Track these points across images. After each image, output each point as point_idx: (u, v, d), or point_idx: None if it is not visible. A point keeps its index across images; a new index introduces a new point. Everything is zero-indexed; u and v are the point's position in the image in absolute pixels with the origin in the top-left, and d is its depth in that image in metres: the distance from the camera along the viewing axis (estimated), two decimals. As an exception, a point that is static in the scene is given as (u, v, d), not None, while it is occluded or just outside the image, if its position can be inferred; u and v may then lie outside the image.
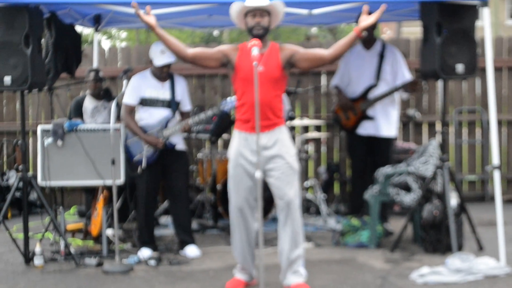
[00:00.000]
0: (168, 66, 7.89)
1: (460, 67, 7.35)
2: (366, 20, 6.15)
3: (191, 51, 6.45)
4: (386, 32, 26.11)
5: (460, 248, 7.54)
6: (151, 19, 6.32)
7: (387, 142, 8.88)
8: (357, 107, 8.86)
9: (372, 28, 8.70)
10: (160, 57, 7.82)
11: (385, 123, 8.78)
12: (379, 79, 8.77)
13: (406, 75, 8.78)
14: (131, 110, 7.95)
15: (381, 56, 8.80)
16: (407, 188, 8.02)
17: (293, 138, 9.75)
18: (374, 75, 8.77)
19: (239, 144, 6.39)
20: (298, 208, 6.36)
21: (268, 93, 6.20)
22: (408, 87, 8.65)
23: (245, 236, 6.49)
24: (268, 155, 6.25)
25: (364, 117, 8.82)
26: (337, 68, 9.25)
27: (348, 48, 6.27)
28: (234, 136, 6.49)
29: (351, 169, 9.31)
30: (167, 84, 7.97)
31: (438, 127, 10.93)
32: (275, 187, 6.34)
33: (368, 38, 8.81)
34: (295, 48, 6.40)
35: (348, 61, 8.98)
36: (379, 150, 8.84)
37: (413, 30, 16.45)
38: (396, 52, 8.93)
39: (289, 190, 6.29)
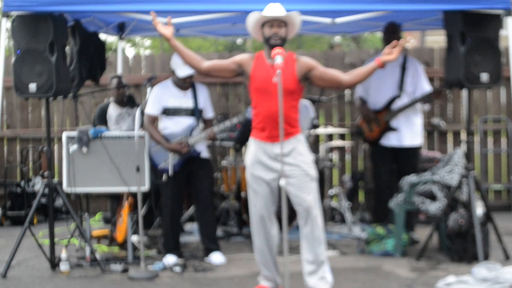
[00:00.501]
0: (190, 76, 7.91)
1: (484, 76, 7.32)
2: (389, 55, 6.17)
3: (206, 64, 6.47)
4: (410, 41, 26.01)
5: (486, 257, 7.49)
6: (167, 31, 6.38)
7: (412, 152, 8.84)
8: (380, 118, 8.83)
9: (398, 39, 8.69)
10: (183, 68, 7.83)
11: (408, 133, 8.75)
12: (401, 90, 8.74)
13: (426, 88, 8.76)
14: (154, 120, 7.97)
15: (403, 68, 8.77)
16: (432, 197, 7.98)
17: (317, 146, 9.77)
18: (397, 86, 8.74)
19: (256, 152, 6.41)
20: (319, 214, 6.35)
21: (286, 104, 6.17)
22: (432, 96, 8.63)
23: (265, 243, 6.49)
24: (286, 163, 6.22)
25: (388, 128, 8.79)
26: None
27: (367, 77, 6.40)
28: (250, 144, 6.50)
29: (375, 179, 9.26)
30: (189, 92, 7.99)
31: (463, 136, 10.88)
32: (293, 194, 6.33)
33: None
34: (314, 64, 6.38)
35: None
36: (405, 160, 8.81)
37: (437, 39, 16.38)
38: (417, 64, 8.91)
39: (307, 196, 6.29)
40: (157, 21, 6.35)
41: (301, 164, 6.32)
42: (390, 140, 8.80)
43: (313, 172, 6.39)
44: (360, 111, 9.16)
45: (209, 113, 8.13)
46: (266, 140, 6.31)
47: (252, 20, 6.34)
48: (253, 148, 6.44)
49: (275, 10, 6.25)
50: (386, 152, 8.88)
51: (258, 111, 6.39)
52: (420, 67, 8.90)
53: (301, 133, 6.50)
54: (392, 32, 8.68)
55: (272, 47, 6.18)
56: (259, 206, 6.41)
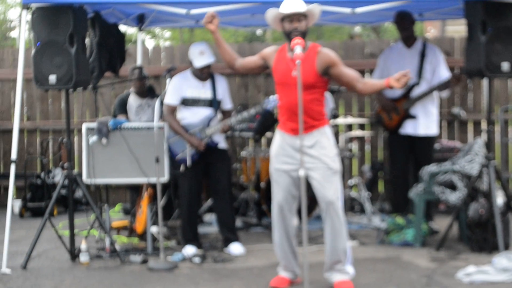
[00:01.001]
0: (208, 66, 7.92)
1: (505, 66, 7.29)
2: (396, 83, 6.11)
3: (239, 62, 6.64)
4: (431, 31, 25.89)
5: (507, 247, 7.45)
6: (212, 25, 6.44)
7: (428, 140, 8.81)
8: (399, 106, 8.79)
9: (411, 24, 8.67)
10: (200, 58, 7.85)
11: (424, 121, 8.71)
12: (420, 78, 8.70)
13: (444, 74, 8.69)
14: (173, 110, 7.99)
15: (422, 55, 8.73)
16: (452, 187, 7.94)
17: (337, 136, 9.75)
18: (416, 74, 8.69)
19: (280, 143, 6.43)
20: (339, 208, 6.32)
21: (306, 97, 6.13)
22: (451, 82, 8.57)
23: (284, 233, 6.49)
24: (306, 156, 6.19)
25: (407, 116, 8.76)
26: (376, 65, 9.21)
27: (376, 92, 6.46)
28: (276, 135, 6.52)
29: (392, 168, 9.22)
30: (208, 83, 8.00)
31: (484, 125, 10.83)
32: (315, 188, 6.33)
33: (409, 36, 8.76)
34: (335, 60, 6.32)
35: (387, 58, 8.94)
36: (420, 149, 8.78)
37: (458, 29, 16.31)
38: (436, 51, 8.86)
39: (328, 191, 6.26)
40: (209, 18, 6.46)
41: (323, 158, 6.29)
42: (406, 129, 8.76)
43: (336, 165, 6.34)
44: (378, 101, 9.13)
45: (227, 104, 8.13)
46: (289, 132, 6.32)
47: (270, 15, 6.34)
48: (278, 139, 6.46)
49: (293, 6, 6.22)
50: (403, 140, 8.85)
51: (281, 103, 6.41)
52: (440, 54, 8.85)
53: (327, 125, 6.46)
54: (400, 20, 8.68)
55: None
56: (279, 197, 6.41)
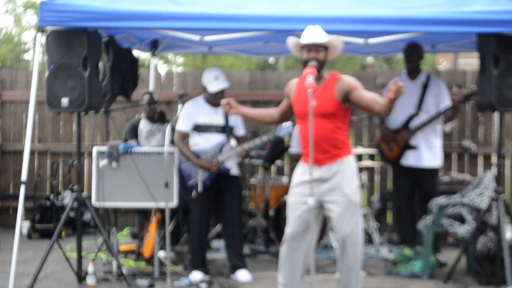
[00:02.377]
0: (222, 92, 7.95)
1: (516, 100, 7.29)
2: (392, 94, 5.99)
3: (277, 115, 6.64)
4: (443, 63, 25.90)
5: (514, 281, 7.43)
6: (233, 111, 6.58)
7: (431, 173, 8.75)
8: (399, 137, 8.75)
9: (419, 58, 8.66)
10: (214, 83, 7.89)
11: (427, 153, 8.65)
12: (420, 109, 8.64)
13: (448, 105, 8.67)
14: (184, 137, 8.03)
15: (425, 87, 8.71)
16: (461, 220, 7.93)
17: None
18: (416, 105, 8.66)
19: (301, 174, 6.34)
20: (356, 243, 6.18)
21: (323, 127, 6.11)
22: (451, 111, 8.54)
23: (290, 266, 6.38)
24: (326, 188, 6.15)
25: (408, 147, 8.72)
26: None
27: (389, 110, 6.08)
28: (298, 166, 6.44)
29: (397, 200, 9.13)
30: (220, 109, 8.00)
31: (494, 159, 10.80)
32: (333, 221, 6.24)
33: (413, 69, 8.75)
34: (354, 85, 6.21)
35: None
36: (424, 181, 8.72)
37: (470, 62, 16.31)
38: (440, 83, 8.83)
39: (346, 226, 6.14)
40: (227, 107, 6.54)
41: (344, 188, 6.17)
42: (409, 160, 8.71)
43: (357, 198, 6.20)
44: (379, 129, 9.12)
45: (240, 130, 8.15)
46: (307, 162, 6.18)
47: (291, 43, 6.32)
48: (299, 171, 6.38)
49: (312, 36, 6.18)
50: (406, 171, 8.80)
51: (301, 135, 6.33)
52: (443, 87, 8.80)
53: (351, 155, 6.34)
54: (410, 51, 8.67)
55: None
56: (292, 227, 6.30)
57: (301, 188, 6.27)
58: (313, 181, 6.03)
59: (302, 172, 6.33)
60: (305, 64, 6.20)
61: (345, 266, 6.25)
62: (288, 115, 6.62)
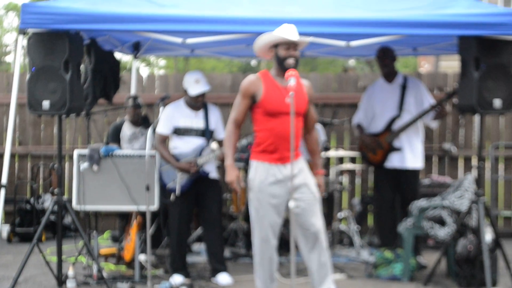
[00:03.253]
0: (202, 95, 7.95)
1: (497, 102, 7.31)
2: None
3: (236, 123, 6.44)
4: (424, 66, 25.99)
5: (494, 283, 7.46)
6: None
7: (413, 174, 8.78)
8: (383, 140, 8.76)
9: (392, 61, 8.68)
10: (195, 86, 7.89)
11: (410, 155, 8.67)
12: (402, 110, 8.67)
13: (432, 102, 8.69)
14: (164, 139, 8.02)
15: (403, 88, 8.73)
16: (441, 222, 7.96)
17: (328, 168, 9.76)
18: (397, 107, 8.70)
19: (264, 176, 6.29)
20: (325, 238, 6.36)
21: (297, 125, 6.15)
22: (433, 108, 8.57)
23: (268, 268, 6.41)
24: (295, 185, 6.17)
25: (392, 149, 8.74)
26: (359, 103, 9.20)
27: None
28: (255, 167, 6.38)
29: (378, 203, 9.16)
30: (200, 113, 8.02)
31: (474, 161, 10.85)
32: (301, 217, 6.27)
33: (389, 72, 8.77)
34: (311, 97, 6.49)
35: (371, 96, 8.93)
36: (406, 183, 8.74)
37: (451, 64, 16.38)
38: (418, 83, 8.87)
39: (316, 220, 6.28)
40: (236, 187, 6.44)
41: (310, 185, 6.32)
42: (392, 162, 8.72)
43: (318, 193, 6.39)
44: (360, 140, 9.10)
45: (220, 134, 8.14)
46: (277, 162, 6.26)
47: (268, 39, 6.27)
48: (261, 172, 6.32)
49: (295, 34, 6.22)
50: (389, 174, 8.80)
51: (268, 133, 6.28)
52: (422, 85, 8.87)
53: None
54: (382, 56, 8.72)
55: (286, 68, 6.16)
56: (264, 231, 6.33)
57: (266, 191, 6.28)
58: (281, 181, 6.21)
59: (264, 173, 6.29)
60: (282, 61, 6.23)
61: (319, 264, 6.32)
62: (244, 119, 6.50)
